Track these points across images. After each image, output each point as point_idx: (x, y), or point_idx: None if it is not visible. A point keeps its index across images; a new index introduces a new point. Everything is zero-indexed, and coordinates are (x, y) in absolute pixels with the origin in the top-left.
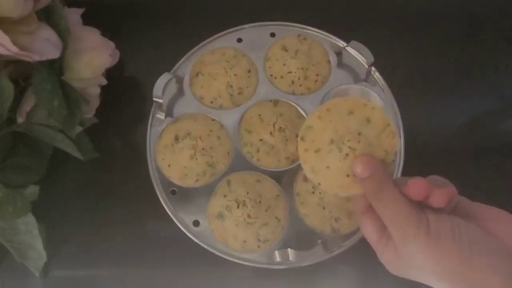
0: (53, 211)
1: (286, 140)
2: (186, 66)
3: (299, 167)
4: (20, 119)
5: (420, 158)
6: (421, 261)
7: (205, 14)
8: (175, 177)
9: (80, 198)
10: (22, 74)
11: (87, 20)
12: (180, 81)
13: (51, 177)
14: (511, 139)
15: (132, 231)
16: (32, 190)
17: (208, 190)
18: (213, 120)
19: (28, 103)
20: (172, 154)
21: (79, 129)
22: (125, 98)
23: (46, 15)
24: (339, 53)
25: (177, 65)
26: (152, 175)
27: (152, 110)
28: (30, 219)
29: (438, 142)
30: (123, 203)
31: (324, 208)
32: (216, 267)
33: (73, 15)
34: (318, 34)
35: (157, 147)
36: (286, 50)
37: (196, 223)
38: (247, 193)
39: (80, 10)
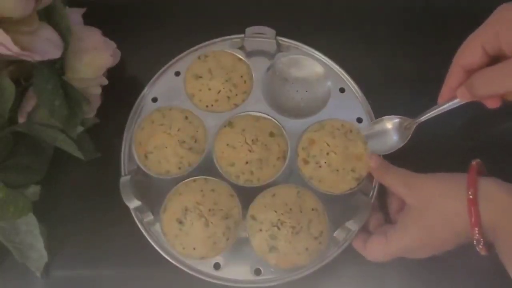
0: (54, 211)
1: (265, 145)
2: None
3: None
4: (21, 119)
5: (419, 157)
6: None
7: (205, 14)
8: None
9: (80, 198)
10: (23, 74)
11: (88, 20)
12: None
13: (52, 177)
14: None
15: (132, 231)
16: (33, 190)
17: None
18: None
19: (29, 103)
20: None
21: (80, 129)
22: (126, 98)
23: (47, 15)
24: (241, 47)
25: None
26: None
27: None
28: (31, 219)
29: (438, 141)
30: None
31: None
32: None
33: (74, 15)
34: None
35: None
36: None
37: None
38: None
39: (81, 10)
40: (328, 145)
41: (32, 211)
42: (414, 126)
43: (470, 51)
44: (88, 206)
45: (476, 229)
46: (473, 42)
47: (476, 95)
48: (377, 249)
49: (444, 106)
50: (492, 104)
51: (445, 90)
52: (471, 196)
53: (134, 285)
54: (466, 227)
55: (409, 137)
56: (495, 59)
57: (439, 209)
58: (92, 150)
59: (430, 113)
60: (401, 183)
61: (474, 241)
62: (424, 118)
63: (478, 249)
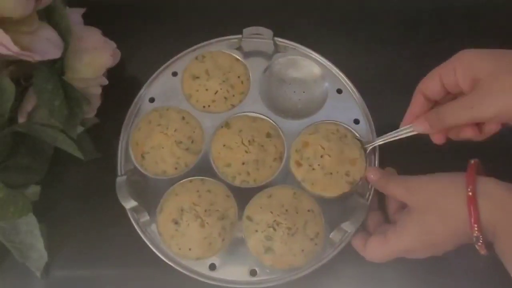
0: (54, 211)
1: (262, 146)
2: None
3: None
4: (21, 119)
5: (418, 158)
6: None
7: (203, 14)
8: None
9: (80, 198)
10: (23, 74)
11: (88, 20)
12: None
13: (52, 177)
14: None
15: (131, 231)
16: (33, 190)
17: None
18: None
19: (29, 103)
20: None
21: (80, 129)
22: (126, 98)
23: (47, 15)
24: (239, 47)
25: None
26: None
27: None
28: (31, 219)
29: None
30: None
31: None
32: None
33: (74, 15)
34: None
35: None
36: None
37: None
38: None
39: (81, 10)
40: (322, 148)
41: (32, 211)
42: (369, 149)
43: (431, 81)
44: (88, 206)
45: (476, 226)
46: (434, 74)
47: (434, 128)
48: (377, 249)
49: (400, 133)
50: (439, 140)
51: (407, 117)
52: (470, 193)
53: (133, 285)
54: (465, 225)
55: (364, 157)
56: (452, 99)
57: (438, 208)
58: (92, 150)
59: (387, 138)
60: (402, 189)
61: (473, 239)
62: (379, 142)
63: (477, 247)
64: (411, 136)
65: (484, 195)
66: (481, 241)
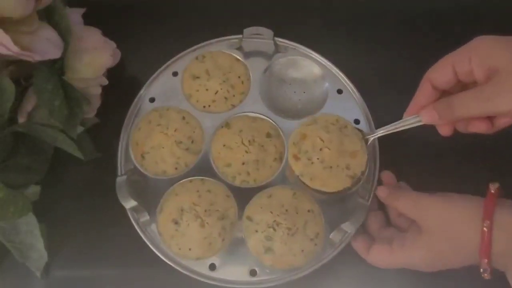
0: (54, 211)
1: (262, 146)
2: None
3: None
4: (21, 119)
5: (416, 157)
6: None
7: (204, 14)
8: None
9: (80, 198)
10: (23, 74)
11: (88, 20)
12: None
13: (52, 177)
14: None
15: (131, 231)
16: (33, 190)
17: None
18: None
19: (29, 103)
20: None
21: (80, 129)
22: (126, 98)
23: (47, 15)
24: (239, 47)
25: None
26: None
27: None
28: (31, 219)
29: (431, 145)
30: None
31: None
32: None
33: (74, 15)
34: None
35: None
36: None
37: None
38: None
39: (81, 10)
40: (321, 140)
41: (32, 211)
42: (371, 140)
43: (442, 69)
44: (88, 206)
45: (486, 260)
46: (446, 61)
47: (443, 119)
48: (381, 257)
49: (404, 124)
50: (446, 132)
51: (412, 106)
52: (485, 229)
53: (133, 285)
54: (475, 254)
55: (366, 149)
56: (462, 87)
57: (450, 235)
58: (92, 150)
59: (390, 129)
60: (412, 207)
61: (481, 270)
62: (381, 133)
63: (483, 276)
64: (414, 131)
65: (500, 226)
66: (488, 272)
